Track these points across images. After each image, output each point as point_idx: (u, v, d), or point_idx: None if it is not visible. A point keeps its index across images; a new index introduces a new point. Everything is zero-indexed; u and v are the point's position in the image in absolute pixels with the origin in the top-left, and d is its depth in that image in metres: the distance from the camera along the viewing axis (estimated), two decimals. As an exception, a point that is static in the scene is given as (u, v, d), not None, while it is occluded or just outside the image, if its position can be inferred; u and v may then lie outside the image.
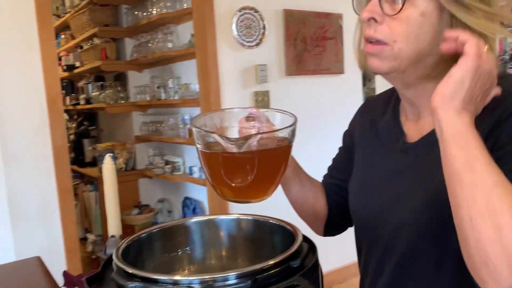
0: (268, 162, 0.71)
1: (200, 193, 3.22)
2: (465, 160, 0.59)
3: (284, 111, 0.77)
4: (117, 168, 3.82)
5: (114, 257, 0.62)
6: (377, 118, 0.90)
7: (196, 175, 3.07)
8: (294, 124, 0.71)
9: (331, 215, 0.96)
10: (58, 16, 4.59)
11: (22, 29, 2.04)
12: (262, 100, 2.73)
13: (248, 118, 0.78)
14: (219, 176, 0.70)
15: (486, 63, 0.62)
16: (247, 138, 0.67)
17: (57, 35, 4.70)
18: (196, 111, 2.89)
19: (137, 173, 3.79)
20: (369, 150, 0.89)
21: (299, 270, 0.58)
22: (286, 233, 0.69)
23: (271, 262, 0.57)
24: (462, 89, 0.61)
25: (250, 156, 0.67)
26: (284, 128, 0.71)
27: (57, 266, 1.27)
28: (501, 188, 0.56)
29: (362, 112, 0.97)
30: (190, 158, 3.35)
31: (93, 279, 0.60)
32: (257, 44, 2.67)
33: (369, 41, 0.72)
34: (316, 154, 2.27)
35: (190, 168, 3.17)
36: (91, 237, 3.73)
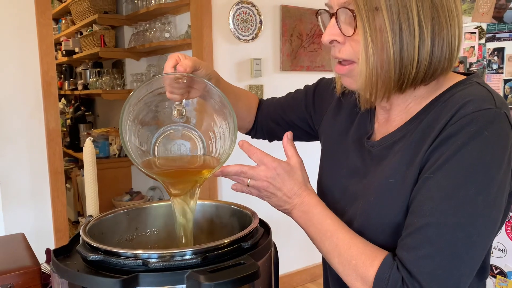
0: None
1: (191, 183, 3.27)
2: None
3: (217, 91, 0.77)
4: (111, 154, 3.87)
5: (81, 232, 0.67)
6: (357, 106, 0.89)
7: (187, 164, 3.12)
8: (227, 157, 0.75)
9: (257, 130, 1.09)
10: (60, 1, 4.62)
11: (20, 13, 2.08)
12: (255, 93, 2.77)
13: (177, 79, 0.79)
14: None
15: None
16: (186, 188, 0.73)
17: (58, 20, 4.73)
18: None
19: (131, 160, 3.83)
20: (337, 138, 0.89)
21: (250, 251, 0.63)
22: (246, 217, 0.74)
23: (224, 241, 0.62)
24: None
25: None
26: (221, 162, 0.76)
27: (46, 245, 1.31)
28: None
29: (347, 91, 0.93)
30: (183, 148, 3.39)
31: (60, 251, 0.65)
32: (253, 39, 2.71)
33: (338, 61, 0.74)
34: (306, 149, 2.32)
35: (182, 157, 3.22)
36: (83, 220, 3.79)
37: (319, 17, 0.77)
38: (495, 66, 1.71)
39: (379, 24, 0.66)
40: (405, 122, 0.75)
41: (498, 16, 1.71)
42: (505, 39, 1.67)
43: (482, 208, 0.63)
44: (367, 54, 0.67)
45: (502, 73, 1.72)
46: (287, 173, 0.76)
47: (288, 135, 0.79)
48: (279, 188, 0.75)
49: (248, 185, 0.76)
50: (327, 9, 0.74)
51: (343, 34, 0.70)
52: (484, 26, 1.78)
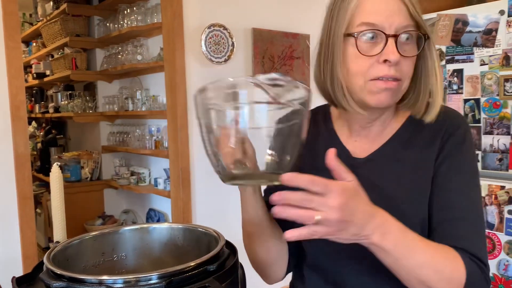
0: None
1: (164, 205, 3.24)
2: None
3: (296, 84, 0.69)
4: (83, 178, 3.80)
5: (45, 259, 0.66)
6: (319, 133, 0.91)
7: (161, 186, 3.09)
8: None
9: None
10: (31, 24, 4.58)
11: (-13, 37, 2.06)
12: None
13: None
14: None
15: None
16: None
17: (29, 43, 4.68)
18: (163, 122, 2.93)
19: (103, 183, 3.78)
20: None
21: (215, 273, 0.63)
22: (213, 239, 0.75)
23: (189, 265, 0.62)
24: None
25: None
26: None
27: (14, 273, 1.27)
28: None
29: (313, 121, 0.92)
30: (156, 170, 3.37)
31: (22, 279, 0.64)
32: (225, 61, 2.74)
33: (386, 78, 0.78)
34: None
35: (155, 179, 3.19)
36: (53, 246, 3.69)
37: (363, 37, 0.78)
38: (455, 87, 1.78)
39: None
40: (389, 138, 0.85)
41: (456, 39, 1.80)
42: (463, 61, 1.74)
43: (480, 194, 0.83)
44: (436, 73, 0.83)
45: (462, 93, 1.79)
46: (356, 194, 0.64)
47: (330, 153, 0.65)
48: (353, 214, 0.62)
49: (316, 222, 0.60)
50: (383, 31, 0.77)
51: (402, 55, 0.77)
52: (444, 48, 1.86)
